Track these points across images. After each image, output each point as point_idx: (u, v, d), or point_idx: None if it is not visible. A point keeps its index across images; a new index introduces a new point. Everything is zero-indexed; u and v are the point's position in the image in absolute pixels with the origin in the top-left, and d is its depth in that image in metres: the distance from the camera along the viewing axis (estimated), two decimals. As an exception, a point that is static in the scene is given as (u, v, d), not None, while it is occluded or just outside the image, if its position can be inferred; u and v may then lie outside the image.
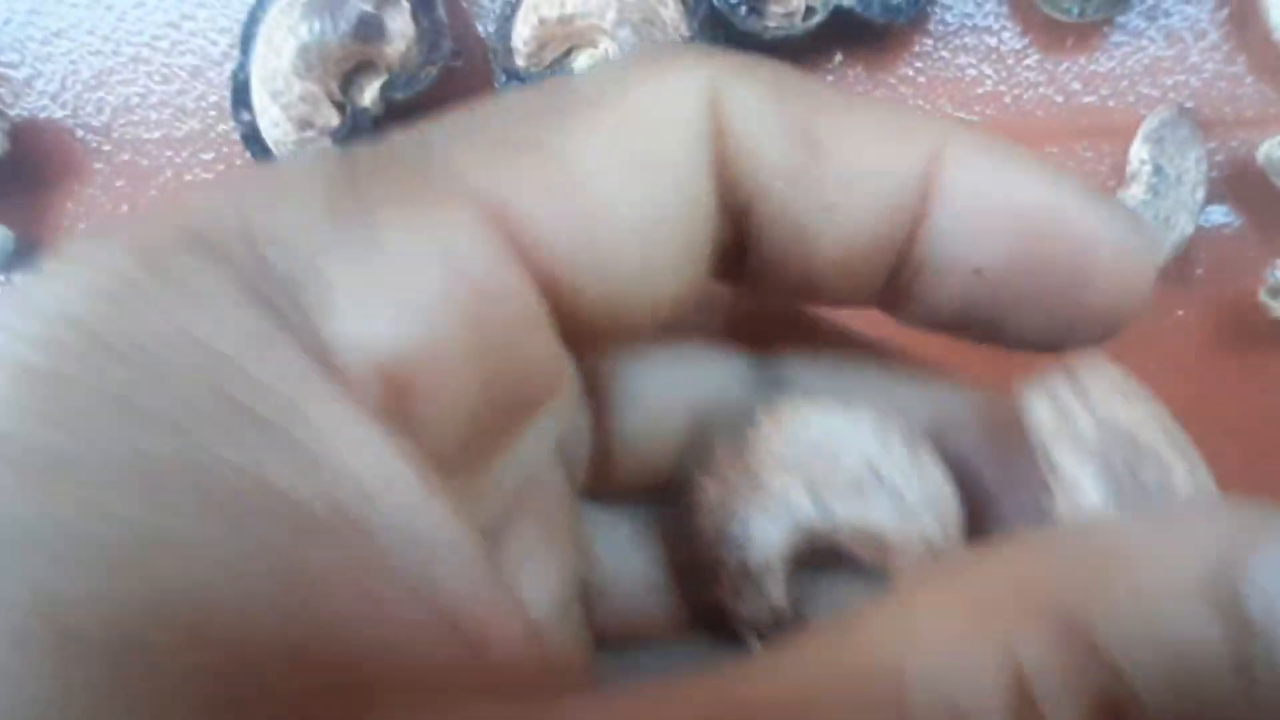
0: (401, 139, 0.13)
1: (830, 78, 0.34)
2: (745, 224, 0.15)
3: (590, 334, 0.14)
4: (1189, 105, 0.33)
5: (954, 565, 0.12)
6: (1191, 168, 0.32)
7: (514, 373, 0.13)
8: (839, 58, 0.33)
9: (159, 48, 0.35)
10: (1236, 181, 0.33)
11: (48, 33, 0.35)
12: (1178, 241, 0.32)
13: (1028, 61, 0.33)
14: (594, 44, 0.32)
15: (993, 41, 0.33)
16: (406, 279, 0.12)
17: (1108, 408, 0.15)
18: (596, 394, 0.17)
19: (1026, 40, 0.33)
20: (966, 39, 0.33)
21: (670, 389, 0.17)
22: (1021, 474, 0.15)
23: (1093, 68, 0.33)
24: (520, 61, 0.32)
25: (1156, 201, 0.31)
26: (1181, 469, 0.14)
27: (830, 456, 0.16)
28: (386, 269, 0.12)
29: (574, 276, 0.13)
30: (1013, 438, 0.15)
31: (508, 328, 0.13)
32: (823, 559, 0.16)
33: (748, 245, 0.15)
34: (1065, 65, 0.33)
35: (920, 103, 0.34)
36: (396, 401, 0.12)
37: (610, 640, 0.17)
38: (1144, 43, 0.33)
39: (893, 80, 0.34)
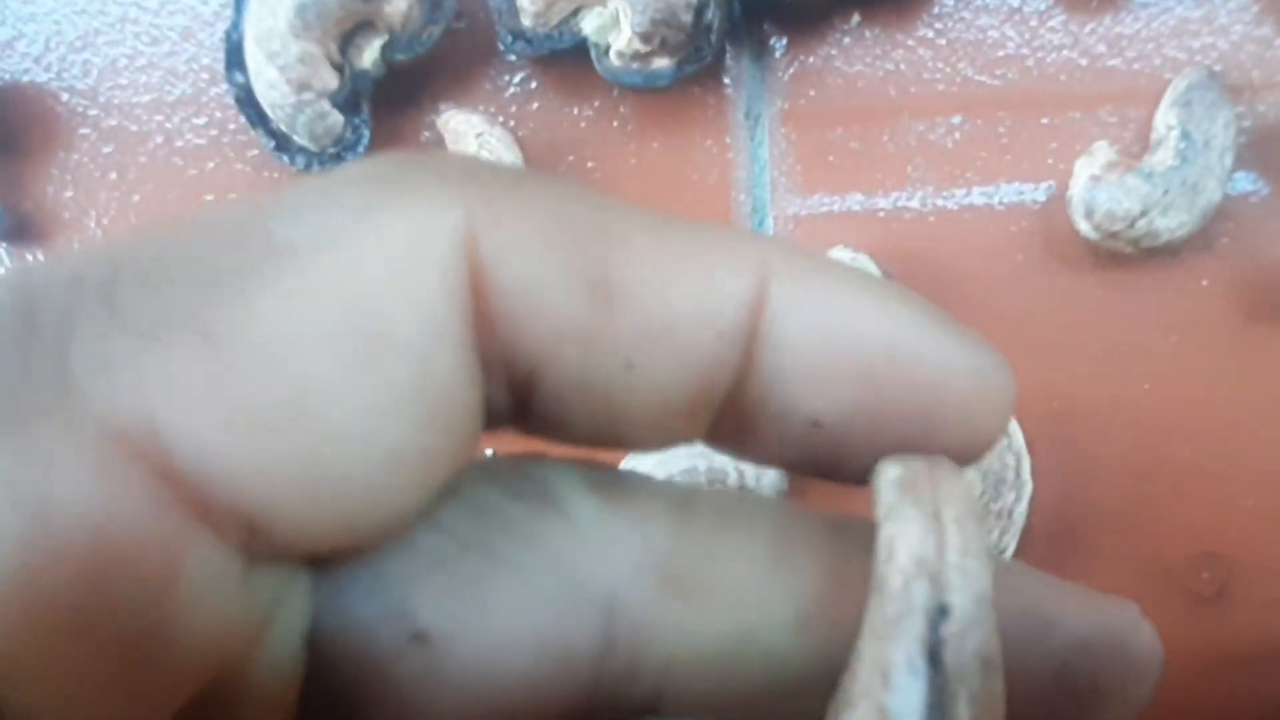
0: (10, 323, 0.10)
1: (847, 39, 0.33)
2: (528, 387, 0.12)
3: (302, 556, 0.11)
4: (1217, 68, 0.32)
5: None
6: (1220, 132, 0.31)
7: (159, 656, 0.10)
8: (857, 19, 0.32)
9: (148, 7, 0.33)
10: (1264, 148, 0.32)
11: (30, -9, 0.33)
12: (1205, 209, 0.31)
13: (1052, 23, 0.32)
14: (602, 2, 0.31)
15: (1015, 2, 0.32)
16: None
17: (983, 660, 0.11)
18: None
19: (1050, 1, 0.32)
20: (988, -1, 0.32)
21: None
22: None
23: (1118, 29, 0.32)
24: (526, 22, 0.31)
25: (1184, 168, 0.30)
26: None
27: None
28: None
29: (263, 505, 0.10)
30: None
31: (141, 599, 0.09)
32: None
33: (532, 406, 0.12)
34: (1090, 27, 0.32)
35: (940, 65, 0.32)
36: None
37: None
38: (1171, 3, 0.32)
39: (911, 42, 0.32)
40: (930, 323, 0.12)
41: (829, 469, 0.13)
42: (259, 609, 0.11)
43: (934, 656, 0.10)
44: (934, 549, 0.11)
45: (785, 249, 0.12)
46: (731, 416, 0.12)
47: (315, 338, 0.10)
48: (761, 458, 0.13)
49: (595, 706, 0.12)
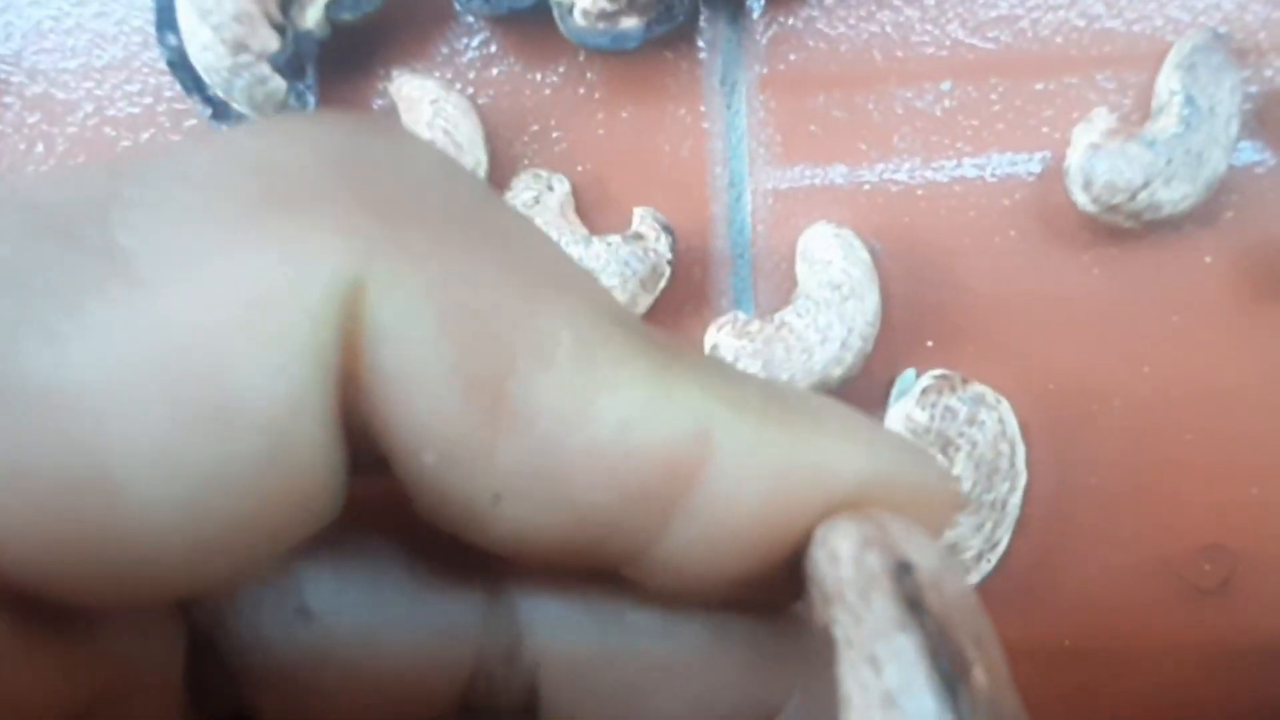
0: None
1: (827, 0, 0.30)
2: (381, 468, 0.10)
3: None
4: (1222, 30, 0.30)
5: None
6: (1225, 98, 0.29)
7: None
8: (839, -24, 0.30)
9: (72, -37, 0.31)
10: (1271, 115, 0.30)
11: (-55, -53, 0.31)
12: (1210, 180, 0.29)
13: (1047, -19, 0.30)
14: (567, -41, 0.28)
15: (1009, -42, 0.30)
16: None
17: None
18: None
19: (1046, -43, 0.30)
20: (979, -44, 0.30)
21: None
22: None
23: (1117, -12, 0.30)
24: (484, -21, 0.29)
25: (1188, 135, 0.29)
26: None
27: None
28: None
29: (57, 588, 0.08)
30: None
31: None
32: None
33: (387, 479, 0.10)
34: (1088, -15, 0.30)
35: (929, 28, 0.30)
36: None
37: None
38: (1173, -39, 0.30)
39: (898, 2, 0.30)
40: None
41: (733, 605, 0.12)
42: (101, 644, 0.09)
43: (914, 604, 0.09)
44: (874, 529, 0.09)
45: (740, 402, 0.10)
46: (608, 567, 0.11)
47: (141, 393, 0.08)
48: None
49: (475, 692, 0.12)
